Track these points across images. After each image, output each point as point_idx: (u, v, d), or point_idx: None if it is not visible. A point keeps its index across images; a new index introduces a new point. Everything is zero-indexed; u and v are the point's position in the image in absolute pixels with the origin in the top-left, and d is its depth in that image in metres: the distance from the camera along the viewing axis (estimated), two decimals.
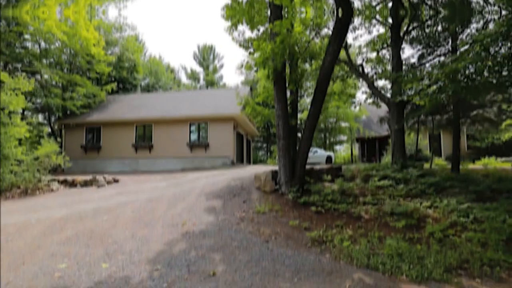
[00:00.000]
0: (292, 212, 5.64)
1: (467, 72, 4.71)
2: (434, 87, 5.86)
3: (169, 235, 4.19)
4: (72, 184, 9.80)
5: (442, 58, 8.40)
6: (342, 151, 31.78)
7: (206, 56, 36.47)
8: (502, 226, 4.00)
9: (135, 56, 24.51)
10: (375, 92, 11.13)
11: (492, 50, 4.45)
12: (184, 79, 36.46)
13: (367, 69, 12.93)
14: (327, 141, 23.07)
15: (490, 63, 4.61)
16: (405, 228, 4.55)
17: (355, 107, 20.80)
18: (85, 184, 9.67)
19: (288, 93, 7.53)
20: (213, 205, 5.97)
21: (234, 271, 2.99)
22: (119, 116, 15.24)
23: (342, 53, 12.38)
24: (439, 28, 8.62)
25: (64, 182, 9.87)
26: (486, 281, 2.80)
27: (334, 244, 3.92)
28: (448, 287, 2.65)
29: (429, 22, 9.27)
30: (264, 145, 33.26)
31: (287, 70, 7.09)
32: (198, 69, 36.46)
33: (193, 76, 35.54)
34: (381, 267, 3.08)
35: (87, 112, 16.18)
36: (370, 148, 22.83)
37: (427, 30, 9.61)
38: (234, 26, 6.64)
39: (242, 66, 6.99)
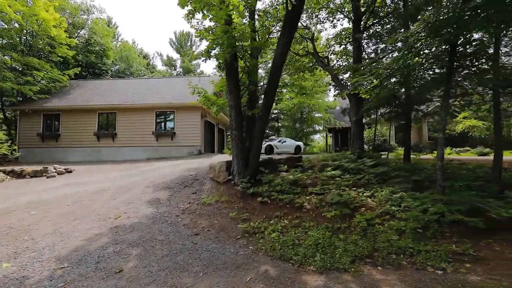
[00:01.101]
0: (238, 203, 5.64)
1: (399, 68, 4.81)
2: (375, 82, 5.99)
3: (96, 230, 4.03)
4: (20, 175, 9.19)
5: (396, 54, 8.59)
6: (319, 141, 32.48)
7: (183, 43, 35.05)
8: (422, 215, 4.23)
9: (104, 40, 22.99)
10: (337, 84, 11.28)
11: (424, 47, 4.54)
12: (160, 65, 34.98)
13: (335, 61, 13.11)
14: (303, 131, 23.34)
15: (420, 60, 4.72)
16: (339, 218, 4.69)
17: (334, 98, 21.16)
18: (35, 174, 9.11)
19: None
20: (159, 196, 5.83)
21: (143, 267, 2.92)
22: (81, 102, 14.35)
23: (310, 45, 12.44)
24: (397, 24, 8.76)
25: (11, 173, 9.24)
26: (387, 269, 2.94)
27: (263, 236, 3.96)
28: (347, 276, 2.75)
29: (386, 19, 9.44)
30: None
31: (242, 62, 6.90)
32: (176, 56, 35.12)
33: (169, 62, 34.15)
34: (294, 258, 3.15)
35: (46, 98, 15.05)
36: (343, 138, 23.46)
37: (388, 26, 9.81)
38: (191, 14, 6.31)
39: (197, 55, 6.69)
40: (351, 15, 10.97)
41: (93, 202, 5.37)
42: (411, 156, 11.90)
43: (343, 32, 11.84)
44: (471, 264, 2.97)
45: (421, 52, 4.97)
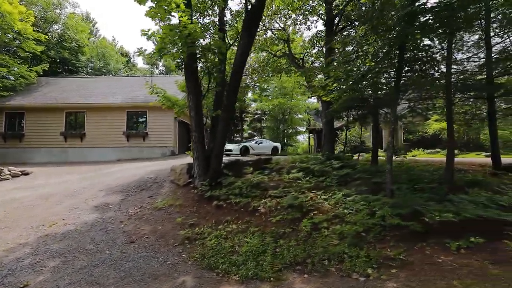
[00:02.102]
0: (192, 207, 5.48)
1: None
2: (330, 85, 6.03)
3: (22, 239, 3.75)
4: None
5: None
6: (303, 141, 32.75)
7: None
8: (366, 219, 4.23)
9: (79, 36, 22.09)
10: (310, 85, 11.34)
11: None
12: (141, 63, 34.10)
13: (311, 63, 13.18)
14: (284, 132, 23.40)
15: (372, 64, 4.76)
16: (288, 222, 4.62)
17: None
18: None
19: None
20: (110, 201, 5.57)
21: (53, 280, 2.71)
22: (47, 101, 13.65)
23: (286, 47, 12.45)
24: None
25: None
26: (313, 277, 2.88)
27: (204, 242, 3.82)
28: (265, 286, 2.66)
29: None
30: (228, 134, 32.83)
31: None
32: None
33: (150, 61, 33.38)
34: (222, 267, 3.03)
35: (10, 96, 14.23)
36: (333, 138, 23.81)
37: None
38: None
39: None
40: (323, 17, 11.05)
41: (34, 208, 5.04)
42: (383, 157, 12.14)
43: (318, 35, 11.93)
44: (397, 269, 2.95)
45: (373, 56, 5.03)
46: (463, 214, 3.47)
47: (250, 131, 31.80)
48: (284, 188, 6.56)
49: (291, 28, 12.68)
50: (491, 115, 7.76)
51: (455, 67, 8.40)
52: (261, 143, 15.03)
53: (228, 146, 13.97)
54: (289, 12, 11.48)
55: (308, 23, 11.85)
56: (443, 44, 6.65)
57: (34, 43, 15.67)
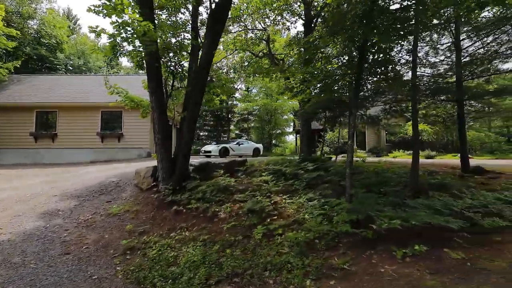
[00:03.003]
0: (149, 213, 5.24)
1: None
2: (301, 86, 5.93)
3: None
4: None
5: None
6: (292, 142, 32.74)
7: None
8: (320, 224, 4.11)
9: (58, 33, 21.29)
10: (289, 86, 11.24)
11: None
12: (125, 61, 33.28)
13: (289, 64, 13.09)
14: (270, 132, 23.29)
15: (334, 65, 4.66)
16: (244, 229, 4.46)
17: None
18: None
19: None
20: (61, 207, 5.25)
21: None
22: (15, 99, 13.04)
23: (267, 47, 12.33)
24: None
25: None
26: None
27: (146, 252, 3.61)
28: None
29: None
30: (215, 133, 32.43)
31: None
32: None
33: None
34: (153, 281, 2.83)
35: None
36: (311, 139, 23.86)
37: None
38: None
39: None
40: (303, 17, 10.95)
41: None
42: (361, 159, 12.17)
43: (298, 35, 11.84)
44: (336, 281, 2.83)
45: (333, 58, 4.94)
46: (411, 221, 3.38)
47: (237, 132, 31.56)
48: (252, 192, 6.39)
49: (270, 28, 12.55)
50: (460, 118, 7.83)
51: (429, 70, 8.46)
52: (242, 144, 14.85)
53: (207, 147, 13.75)
54: (268, 12, 11.36)
55: (288, 23, 11.77)
56: (409, 46, 6.68)
57: (4, 38, 14.96)
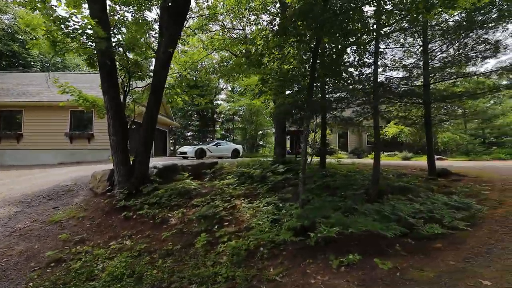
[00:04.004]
0: (96, 219, 4.94)
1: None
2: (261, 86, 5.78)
3: None
4: None
5: None
6: None
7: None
8: (266, 232, 3.95)
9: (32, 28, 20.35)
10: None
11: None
12: None
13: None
14: (252, 133, 23.10)
15: (289, 67, 4.52)
16: (194, 235, 4.25)
17: None
18: None
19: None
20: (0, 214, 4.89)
21: None
22: None
23: (250, 46, 12.15)
24: None
25: None
26: None
27: (70, 265, 3.33)
28: None
29: None
30: (201, 134, 32.01)
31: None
32: None
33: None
34: None
35: None
36: (298, 141, 23.85)
37: None
38: None
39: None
40: (279, 16, 10.82)
41: None
42: (336, 160, 12.16)
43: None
44: None
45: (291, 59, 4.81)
46: (349, 229, 3.26)
47: (223, 132, 31.27)
48: (212, 196, 6.19)
49: (248, 28, 12.39)
50: (427, 120, 7.87)
51: (401, 73, 8.46)
52: (220, 145, 14.59)
53: (183, 148, 13.44)
54: (244, 11, 11.17)
55: (265, 23, 11.61)
56: (371, 47, 6.64)
57: None
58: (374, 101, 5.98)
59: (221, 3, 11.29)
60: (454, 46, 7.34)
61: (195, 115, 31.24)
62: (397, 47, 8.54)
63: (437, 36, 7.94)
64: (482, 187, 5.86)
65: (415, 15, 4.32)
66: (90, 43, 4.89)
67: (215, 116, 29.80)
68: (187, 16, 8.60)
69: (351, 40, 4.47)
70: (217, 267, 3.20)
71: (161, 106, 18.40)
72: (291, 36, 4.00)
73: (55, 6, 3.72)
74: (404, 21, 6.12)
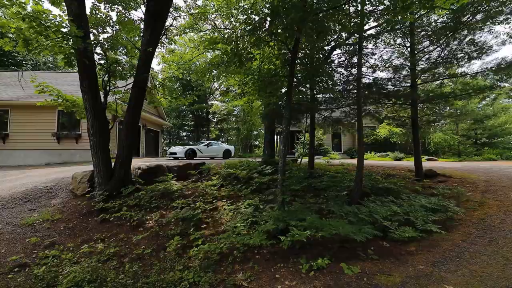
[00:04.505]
0: (72, 222, 4.82)
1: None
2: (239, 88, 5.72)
3: None
4: None
5: None
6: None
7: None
8: (241, 235, 3.87)
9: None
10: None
11: None
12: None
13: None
14: (245, 133, 23.01)
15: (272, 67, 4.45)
16: (168, 239, 4.16)
17: None
18: None
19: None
20: None
21: None
22: None
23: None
24: None
25: None
26: None
27: (32, 270, 3.23)
28: None
29: None
30: (195, 135, 31.85)
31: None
32: None
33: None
34: None
35: None
36: (292, 140, 23.80)
37: None
38: None
39: None
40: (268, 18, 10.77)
41: None
42: (326, 161, 12.12)
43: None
44: None
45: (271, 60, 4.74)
46: (319, 233, 3.20)
47: (217, 133, 31.17)
48: (195, 197, 6.11)
49: (239, 28, 12.28)
50: (414, 121, 7.84)
51: (390, 74, 8.43)
52: (212, 145, 14.48)
53: (173, 149, 13.31)
54: (233, 11, 11.08)
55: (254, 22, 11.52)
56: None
57: None
58: (357, 102, 5.94)
59: (211, 2, 11.20)
60: (440, 47, 7.32)
61: (190, 115, 31.11)
62: (385, 48, 8.52)
63: (424, 37, 7.92)
64: (465, 188, 5.84)
65: (392, 15, 4.28)
66: (65, 42, 4.77)
67: (209, 116, 29.69)
68: (169, 15, 8.50)
69: (329, 40, 4.42)
70: (185, 272, 3.12)
71: (154, 107, 18.26)
72: (266, 35, 3.92)
73: (23, 3, 3.61)
74: (382, 20, 6.05)
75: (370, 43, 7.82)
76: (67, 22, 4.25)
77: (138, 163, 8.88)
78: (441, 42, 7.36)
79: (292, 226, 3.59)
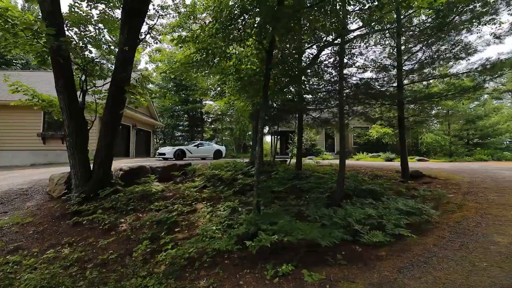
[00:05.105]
0: (43, 225, 4.68)
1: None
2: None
3: None
4: None
5: None
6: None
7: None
8: (211, 240, 3.77)
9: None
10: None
11: None
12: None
13: None
14: (238, 133, 22.88)
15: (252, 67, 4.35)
16: (137, 243, 4.04)
17: None
18: None
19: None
20: None
21: None
22: None
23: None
24: None
25: None
26: None
27: None
28: None
29: None
30: (190, 135, 31.64)
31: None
32: None
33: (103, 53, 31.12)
34: None
35: None
36: (286, 141, 23.78)
37: None
38: None
39: None
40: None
41: None
42: (315, 162, 12.05)
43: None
44: None
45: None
46: (286, 238, 3.10)
47: (211, 133, 31.03)
48: (174, 199, 5.98)
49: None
50: (400, 121, 7.80)
51: (373, 75, 8.36)
52: (202, 146, 14.35)
53: (162, 149, 13.16)
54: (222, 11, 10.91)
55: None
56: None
57: None
58: (340, 103, 5.86)
59: (201, 1, 11.06)
60: (425, 48, 7.27)
61: (185, 116, 30.93)
62: (372, 48, 8.45)
63: (410, 38, 7.87)
64: (448, 190, 5.79)
65: (368, 14, 4.20)
66: (36, 40, 4.64)
67: (204, 117, 29.54)
68: (156, 14, 8.37)
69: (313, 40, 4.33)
70: (146, 279, 3.00)
71: (145, 106, 18.08)
72: (239, 33, 3.82)
73: None
74: (356, 19, 5.95)
75: (358, 43, 7.77)
76: (38, 18, 4.09)
77: (122, 164, 8.75)
78: (425, 43, 7.31)
79: (261, 231, 3.50)
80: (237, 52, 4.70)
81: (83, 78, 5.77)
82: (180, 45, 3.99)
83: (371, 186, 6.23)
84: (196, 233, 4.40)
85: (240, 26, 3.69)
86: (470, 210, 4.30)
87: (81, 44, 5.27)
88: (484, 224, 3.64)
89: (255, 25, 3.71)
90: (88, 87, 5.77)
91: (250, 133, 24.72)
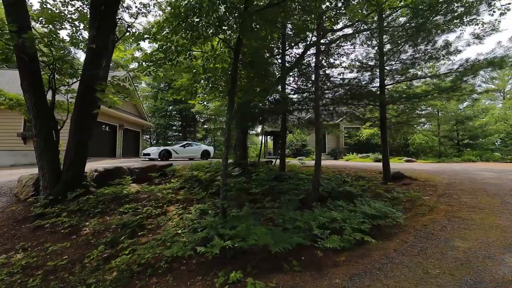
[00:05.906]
0: (3, 229, 4.50)
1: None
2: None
3: None
4: None
5: None
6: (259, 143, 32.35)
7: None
8: (182, 242, 3.63)
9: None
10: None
11: None
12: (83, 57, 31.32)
13: None
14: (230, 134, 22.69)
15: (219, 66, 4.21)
16: (95, 248, 3.88)
17: None
18: None
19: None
20: None
21: None
22: None
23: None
24: None
25: None
26: None
27: None
28: None
29: None
30: (182, 135, 31.40)
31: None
32: None
33: None
34: None
35: None
36: (279, 141, 23.66)
37: None
38: None
39: None
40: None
41: None
42: (301, 162, 11.94)
43: None
44: None
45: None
46: (238, 244, 2.97)
47: (204, 133, 30.84)
48: (146, 202, 5.83)
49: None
50: (382, 121, 7.72)
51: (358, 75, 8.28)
52: (189, 146, 14.16)
53: (147, 150, 12.96)
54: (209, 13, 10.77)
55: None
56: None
57: None
58: (315, 103, 5.76)
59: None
60: (405, 48, 7.21)
61: (178, 115, 30.71)
62: (356, 48, 8.36)
63: (392, 38, 7.80)
64: (424, 192, 5.71)
65: (336, 13, 4.10)
66: None
67: (196, 116, 29.33)
68: (140, 12, 8.18)
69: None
70: (92, 286, 2.85)
71: (134, 106, 17.84)
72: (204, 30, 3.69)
73: None
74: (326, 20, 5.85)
75: (342, 43, 7.68)
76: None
77: (102, 164, 8.56)
78: (408, 44, 7.24)
79: (219, 235, 3.37)
80: (204, 51, 4.56)
81: (51, 76, 5.59)
82: (138, 42, 3.84)
83: (349, 188, 6.14)
84: (159, 237, 4.25)
85: (203, 23, 3.56)
86: (440, 213, 4.22)
87: (46, 41, 5.06)
88: (450, 228, 3.55)
89: (217, 23, 3.58)
90: (59, 86, 5.59)
91: None
